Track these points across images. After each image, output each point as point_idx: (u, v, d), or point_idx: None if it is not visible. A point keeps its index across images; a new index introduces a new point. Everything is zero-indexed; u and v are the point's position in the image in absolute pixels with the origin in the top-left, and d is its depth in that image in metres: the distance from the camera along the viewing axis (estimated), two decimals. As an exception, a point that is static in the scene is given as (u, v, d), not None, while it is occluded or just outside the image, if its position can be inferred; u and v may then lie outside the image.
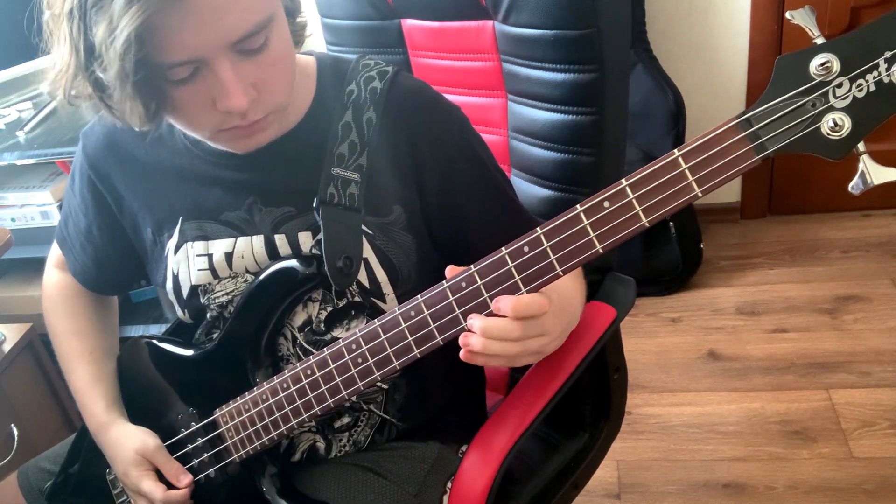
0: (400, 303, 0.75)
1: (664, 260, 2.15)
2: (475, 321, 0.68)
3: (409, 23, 1.08)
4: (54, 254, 1.08)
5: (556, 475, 1.05)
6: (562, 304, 0.77)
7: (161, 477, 0.92)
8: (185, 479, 0.90)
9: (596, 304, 0.97)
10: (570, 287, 0.84)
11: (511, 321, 0.67)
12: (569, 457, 1.06)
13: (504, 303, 0.67)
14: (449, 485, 0.93)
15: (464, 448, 0.96)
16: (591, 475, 1.09)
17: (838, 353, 1.88)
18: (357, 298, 0.86)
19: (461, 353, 0.70)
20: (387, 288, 0.86)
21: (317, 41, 1.17)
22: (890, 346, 1.87)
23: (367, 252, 0.84)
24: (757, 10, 2.13)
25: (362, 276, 0.85)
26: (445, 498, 0.92)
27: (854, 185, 0.58)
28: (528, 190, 1.00)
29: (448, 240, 0.89)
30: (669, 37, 2.20)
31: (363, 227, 0.84)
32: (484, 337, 0.68)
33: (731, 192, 2.42)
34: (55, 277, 1.07)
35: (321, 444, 0.93)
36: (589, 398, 1.05)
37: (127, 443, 0.92)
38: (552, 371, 0.93)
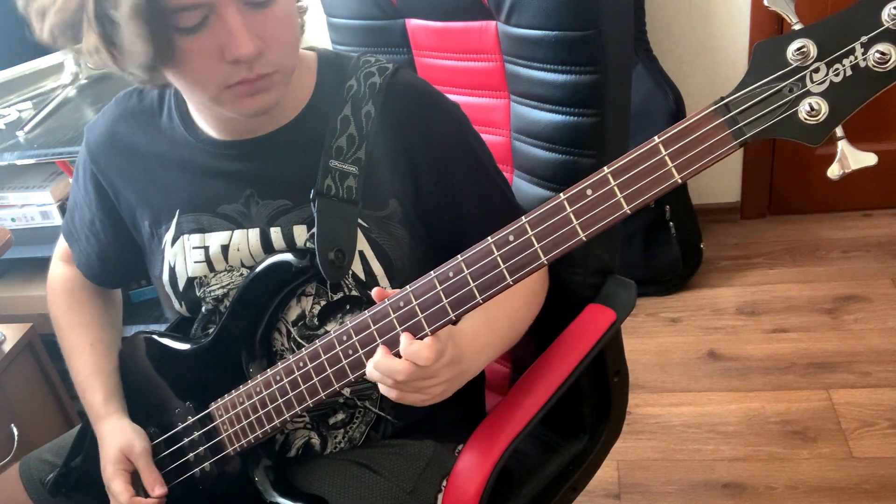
0: None
1: (664, 260, 2.15)
2: (375, 356, 0.74)
3: (413, 23, 1.08)
4: (61, 247, 1.09)
5: (555, 477, 1.05)
6: (458, 354, 0.78)
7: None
8: (159, 490, 0.91)
9: (595, 307, 0.97)
10: (480, 330, 0.85)
11: (402, 361, 0.72)
12: (568, 459, 1.06)
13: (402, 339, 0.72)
14: (444, 483, 0.93)
15: (460, 447, 0.96)
16: (591, 478, 1.09)
17: (838, 353, 1.88)
18: (353, 292, 0.86)
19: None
20: (383, 281, 0.86)
21: (322, 41, 1.18)
22: (890, 346, 1.87)
23: (363, 245, 0.85)
24: (757, 10, 2.13)
25: (358, 269, 0.85)
26: (440, 496, 0.92)
27: (832, 171, 0.58)
28: (529, 191, 1.00)
29: (444, 234, 0.89)
30: (669, 37, 2.20)
31: (359, 221, 0.84)
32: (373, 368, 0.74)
33: (731, 192, 2.42)
34: (60, 270, 1.08)
35: (316, 441, 0.94)
36: (588, 401, 1.05)
37: (115, 438, 0.93)
38: (550, 373, 0.93)
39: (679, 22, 2.19)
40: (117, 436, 0.93)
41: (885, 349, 1.86)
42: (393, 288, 0.86)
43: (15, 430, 1.51)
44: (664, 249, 2.14)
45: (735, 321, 2.04)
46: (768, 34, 2.14)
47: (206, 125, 0.88)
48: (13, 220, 1.87)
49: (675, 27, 2.20)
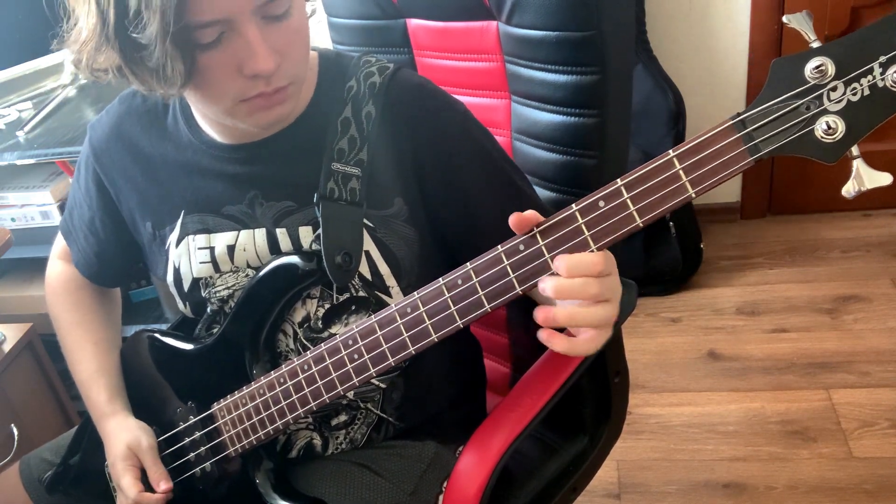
0: (405, 296, 0.75)
1: (664, 260, 2.15)
2: (547, 283, 0.66)
3: (413, 22, 1.08)
4: (59, 245, 1.09)
5: (555, 478, 1.05)
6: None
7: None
8: (164, 485, 0.91)
9: (596, 306, 0.97)
10: None
11: (583, 279, 0.65)
12: (568, 460, 1.06)
13: (559, 262, 0.65)
14: (445, 484, 0.93)
15: (461, 448, 0.96)
16: (591, 479, 1.09)
17: (838, 353, 1.88)
18: (361, 293, 0.86)
19: (539, 317, 0.66)
20: (390, 281, 0.86)
21: (323, 40, 1.18)
22: (890, 346, 1.87)
23: (369, 245, 0.85)
24: (757, 10, 2.13)
25: (364, 270, 0.85)
26: (441, 498, 0.92)
27: (847, 189, 0.58)
28: (531, 191, 1.00)
29: (459, 232, 0.88)
30: (669, 37, 2.20)
31: (364, 220, 0.84)
32: (566, 273, 0.65)
33: (731, 192, 2.42)
34: (59, 269, 1.08)
35: (318, 442, 0.94)
36: (589, 402, 1.05)
37: (121, 435, 0.93)
38: (551, 374, 0.93)
39: (679, 22, 2.19)
40: (124, 433, 0.94)
41: (885, 349, 1.86)
42: (400, 288, 0.86)
43: (15, 430, 1.51)
44: (664, 249, 2.14)
45: (735, 321, 2.05)
46: (768, 35, 2.14)
47: (210, 129, 0.88)
48: (13, 220, 1.86)
49: (675, 27, 2.20)
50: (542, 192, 0.98)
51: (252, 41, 0.71)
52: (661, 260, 2.15)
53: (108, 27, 0.70)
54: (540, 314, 0.66)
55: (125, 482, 0.91)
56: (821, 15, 2.09)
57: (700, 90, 2.23)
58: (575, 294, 0.66)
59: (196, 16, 0.68)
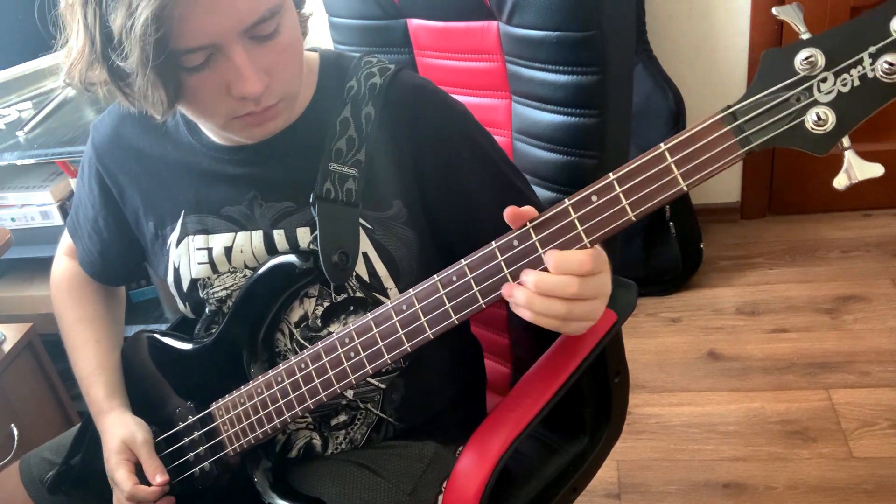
0: None
1: (664, 260, 2.15)
2: (529, 276, 0.67)
3: (414, 22, 1.08)
4: (65, 242, 1.09)
5: (555, 478, 1.05)
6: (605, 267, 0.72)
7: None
8: (161, 478, 0.91)
9: (596, 307, 0.97)
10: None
11: (566, 277, 0.66)
12: (568, 460, 1.06)
13: (548, 257, 0.66)
14: (444, 485, 0.93)
15: (461, 448, 0.96)
16: (591, 479, 1.09)
17: (838, 353, 1.88)
18: (358, 294, 0.86)
19: (505, 292, 0.69)
20: (388, 282, 0.86)
21: (324, 40, 1.18)
22: (890, 346, 1.87)
23: (367, 246, 0.85)
24: (757, 10, 2.13)
25: (362, 271, 0.85)
26: (440, 498, 0.92)
27: (838, 181, 0.58)
28: (530, 192, 1.00)
29: (459, 234, 0.88)
30: (669, 37, 2.20)
31: (362, 222, 0.84)
32: (536, 293, 0.67)
33: (731, 192, 2.42)
34: (64, 265, 1.08)
35: (317, 442, 0.94)
36: (589, 402, 1.05)
37: (117, 430, 0.94)
38: (550, 374, 0.93)
39: (679, 22, 2.19)
40: (120, 428, 0.94)
41: (885, 349, 1.86)
42: (398, 289, 0.86)
43: (15, 430, 1.51)
44: (664, 249, 2.14)
45: (735, 321, 2.04)
46: (768, 34, 2.14)
47: (209, 132, 0.88)
48: (13, 220, 1.86)
49: (675, 27, 2.20)
50: (542, 192, 0.98)
51: (239, 65, 0.71)
52: (661, 260, 2.15)
53: (95, 50, 0.70)
54: (506, 289, 0.69)
55: (119, 476, 0.91)
56: (821, 13, 2.09)
57: (700, 90, 2.23)
58: (553, 291, 0.66)
59: (182, 42, 0.68)
